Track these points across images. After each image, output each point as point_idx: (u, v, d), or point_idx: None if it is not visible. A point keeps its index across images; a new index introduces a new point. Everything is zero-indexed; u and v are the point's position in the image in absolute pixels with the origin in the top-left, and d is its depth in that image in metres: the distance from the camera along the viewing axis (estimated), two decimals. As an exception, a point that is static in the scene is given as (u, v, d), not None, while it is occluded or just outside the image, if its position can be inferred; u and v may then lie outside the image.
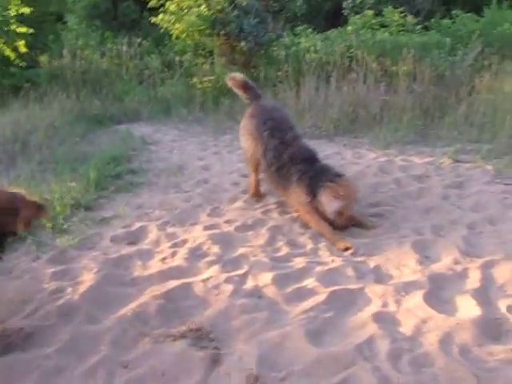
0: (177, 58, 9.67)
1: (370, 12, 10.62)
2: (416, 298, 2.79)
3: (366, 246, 3.53)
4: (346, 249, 3.51)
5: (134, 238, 3.82)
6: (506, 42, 8.17)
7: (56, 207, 4.19)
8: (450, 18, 10.68)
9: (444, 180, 4.74)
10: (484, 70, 7.37)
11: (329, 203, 3.69)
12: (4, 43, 7.74)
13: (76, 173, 5.12)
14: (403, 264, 3.23)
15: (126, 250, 3.60)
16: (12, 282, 3.16)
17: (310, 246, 3.57)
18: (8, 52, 7.79)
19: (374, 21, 10.16)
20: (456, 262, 3.18)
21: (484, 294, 2.80)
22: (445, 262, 3.20)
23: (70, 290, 3.03)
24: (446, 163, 5.22)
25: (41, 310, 2.83)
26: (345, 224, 3.80)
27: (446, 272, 3.08)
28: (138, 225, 4.05)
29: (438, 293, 2.87)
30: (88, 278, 3.15)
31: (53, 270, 3.30)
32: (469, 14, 10.76)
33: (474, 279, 2.97)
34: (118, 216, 4.25)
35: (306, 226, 3.87)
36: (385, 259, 3.31)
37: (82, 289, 3.02)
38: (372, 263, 3.26)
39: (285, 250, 3.50)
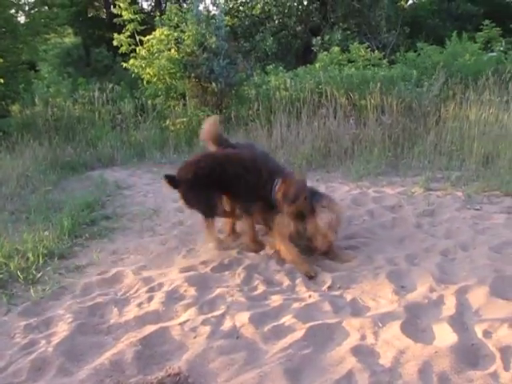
0: (149, 102, 9.75)
1: (337, 48, 10.94)
2: (393, 329, 2.80)
3: (341, 279, 3.54)
4: (310, 277, 3.60)
5: (109, 285, 3.77)
6: (467, 72, 8.44)
7: (29, 258, 4.12)
8: (415, 51, 11.04)
9: (416, 209, 4.82)
10: (449, 99, 7.59)
11: (324, 216, 3.71)
12: (-26, 94, 7.73)
13: (49, 221, 5.05)
14: (379, 295, 3.25)
15: (102, 297, 3.54)
16: (-19, 339, 3.07)
17: (286, 282, 3.56)
18: (-22, 102, 7.78)
19: (341, 57, 10.45)
20: (431, 290, 3.22)
21: (460, 321, 2.84)
22: (420, 291, 3.23)
23: (43, 342, 2.96)
24: (417, 192, 5.32)
25: (11, 366, 2.75)
26: (324, 248, 3.82)
27: (421, 301, 3.11)
28: (113, 271, 3.99)
29: (415, 322, 2.89)
30: (62, 329, 3.08)
31: (25, 322, 3.21)
32: (433, 46, 11.14)
33: (449, 306, 3.01)
34: (92, 263, 4.20)
35: (282, 263, 3.86)
36: (361, 291, 3.32)
37: (55, 340, 2.95)
38: (348, 296, 3.27)
39: (261, 289, 3.49)
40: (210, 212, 4.05)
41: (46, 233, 4.65)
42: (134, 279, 3.80)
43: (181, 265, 4.01)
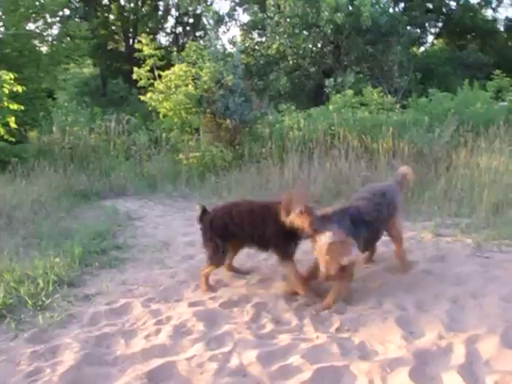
0: (163, 135, 9.92)
1: (351, 91, 11.14)
2: (401, 375, 2.78)
3: (350, 321, 3.52)
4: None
5: (117, 316, 3.78)
6: (479, 120, 8.55)
7: (39, 284, 4.15)
8: (426, 97, 11.21)
9: (426, 254, 4.80)
10: (460, 146, 7.65)
11: (324, 239, 3.62)
12: (-6, 119, 7.92)
13: (60, 248, 5.09)
14: (388, 340, 3.22)
15: (109, 327, 3.55)
16: (-13, 364, 3.07)
17: (294, 322, 3.55)
18: (-2, 128, 7.96)
19: (354, 100, 10.63)
20: (440, 337, 3.19)
21: (470, 370, 2.80)
22: (429, 337, 3.20)
23: (48, 371, 2.95)
24: (427, 237, 5.32)
25: (15, 394, 2.75)
26: (324, 274, 3.70)
27: (430, 347, 3.08)
28: (121, 301, 4.01)
29: (424, 369, 2.86)
30: (68, 358, 3.08)
31: (31, 349, 3.22)
32: (444, 93, 11.31)
33: (458, 354, 2.97)
34: (101, 292, 4.21)
35: (290, 302, 3.86)
36: (369, 335, 3.30)
37: (60, 369, 2.95)
38: (357, 339, 3.25)
39: (269, 327, 3.48)
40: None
41: (57, 259, 4.68)
42: (142, 311, 3.80)
43: (189, 299, 4.02)
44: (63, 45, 13.86)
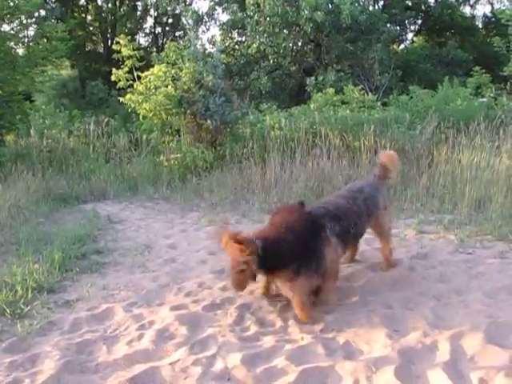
0: (144, 137, 9.82)
1: (332, 90, 11.15)
2: (387, 374, 2.77)
3: (335, 321, 3.50)
4: None
5: (98, 321, 3.70)
6: (459, 117, 8.60)
7: (17, 291, 4.05)
8: (407, 94, 11.27)
9: (409, 251, 4.81)
10: (441, 143, 7.69)
11: None
12: (-31, 123, 7.75)
13: (40, 254, 4.99)
14: (373, 339, 3.21)
15: (90, 333, 3.48)
16: (-36, 376, 2.98)
17: (279, 323, 3.52)
18: (-27, 132, 7.80)
19: (335, 98, 10.64)
20: (425, 335, 3.18)
21: (454, 367, 2.80)
22: (414, 335, 3.19)
23: (27, 381, 2.89)
24: (410, 235, 5.33)
25: (-8, 406, 2.67)
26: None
27: (415, 345, 3.07)
28: (103, 307, 3.94)
29: (409, 367, 2.85)
30: (48, 367, 3.01)
31: (10, 359, 3.14)
32: (425, 90, 11.38)
33: (443, 352, 2.97)
34: (82, 298, 4.14)
35: (274, 303, 3.82)
36: (354, 334, 3.28)
37: (40, 379, 2.89)
38: (341, 339, 3.23)
39: (253, 329, 3.44)
40: None
41: (36, 265, 4.59)
42: (124, 316, 3.74)
43: (172, 302, 3.96)
44: (40, 46, 13.64)
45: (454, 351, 2.96)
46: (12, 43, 12.89)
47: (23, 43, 13.66)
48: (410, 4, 21.72)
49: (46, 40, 14.10)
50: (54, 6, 24.21)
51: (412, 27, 24.76)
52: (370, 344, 3.16)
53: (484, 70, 14.41)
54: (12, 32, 13.16)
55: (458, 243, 4.98)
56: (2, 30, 12.73)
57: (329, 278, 3.76)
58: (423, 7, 22.55)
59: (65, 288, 4.39)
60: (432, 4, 22.57)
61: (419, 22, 24.26)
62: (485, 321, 3.29)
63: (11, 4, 12.51)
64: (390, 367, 2.81)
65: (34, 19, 14.51)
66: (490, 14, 24.97)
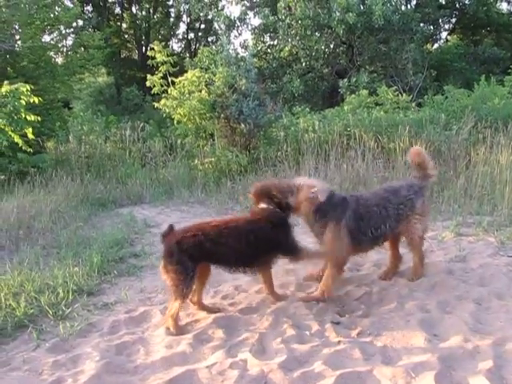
0: (178, 141, 9.94)
1: (365, 91, 11.05)
2: (427, 380, 2.72)
3: (372, 325, 3.47)
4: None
5: (136, 324, 3.77)
6: (497, 116, 8.41)
7: (59, 293, 4.16)
8: (442, 94, 11.07)
9: (447, 254, 4.72)
10: (479, 143, 7.52)
11: None
12: (13, 131, 7.97)
13: (79, 257, 5.12)
14: (411, 343, 3.17)
15: (129, 336, 3.54)
16: (9, 375, 3.08)
17: (315, 327, 3.50)
18: (16, 139, 8.01)
19: (368, 100, 10.54)
20: (466, 340, 3.12)
21: (498, 375, 2.74)
22: (454, 340, 3.13)
23: (69, 380, 2.96)
24: (448, 237, 5.23)
25: (38, 403, 2.75)
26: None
27: (456, 351, 3.01)
28: (140, 309, 4.01)
29: (450, 373, 2.80)
30: (89, 367, 3.08)
31: (53, 359, 3.23)
32: (460, 90, 11.17)
33: (486, 358, 2.90)
34: (120, 301, 4.21)
35: (311, 307, 3.81)
36: (392, 339, 3.24)
37: (82, 379, 2.95)
38: (379, 343, 3.20)
39: (290, 333, 3.43)
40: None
41: (76, 269, 4.70)
42: (161, 319, 3.78)
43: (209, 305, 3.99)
44: (78, 55, 14.04)
45: (498, 357, 2.89)
46: (52, 53, 13.31)
47: (62, 52, 14.10)
48: (443, 2, 21.30)
49: (83, 49, 14.49)
50: (90, 15, 24.76)
51: (446, 26, 24.26)
52: (409, 349, 3.11)
53: (522, 67, 14.05)
54: (52, 42, 13.59)
55: (498, 245, 4.87)
56: (43, 40, 13.14)
57: (329, 266, 3.90)
58: (457, 5, 22.07)
59: (103, 291, 4.49)
60: (467, 1, 22.07)
61: (453, 20, 23.75)
62: (529, 326, 3.21)
63: (51, 16, 12.90)
64: (430, 373, 2.76)
65: (72, 29, 14.93)
66: (528, 10, 24.30)
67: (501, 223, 5.51)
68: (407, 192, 4.05)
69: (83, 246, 5.63)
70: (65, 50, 14.21)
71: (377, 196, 4.08)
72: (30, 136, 8.23)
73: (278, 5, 16.97)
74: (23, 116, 8.01)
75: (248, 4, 21.83)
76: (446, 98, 10.58)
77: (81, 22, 19.75)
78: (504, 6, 24.13)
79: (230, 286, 4.40)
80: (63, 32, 14.06)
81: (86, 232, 6.42)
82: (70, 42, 14.74)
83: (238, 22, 19.61)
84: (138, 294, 4.37)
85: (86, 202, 7.97)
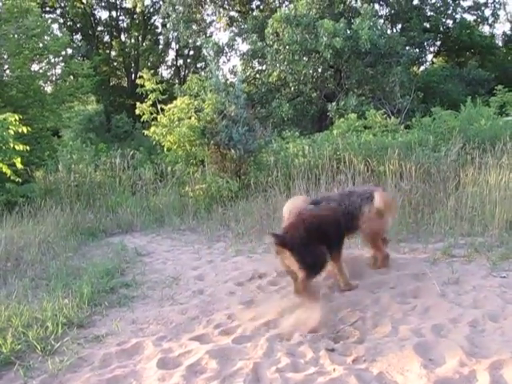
0: (169, 168, 9.93)
1: (354, 115, 11.16)
2: (424, 407, 2.68)
3: (367, 350, 3.42)
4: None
5: (128, 356, 3.69)
6: (484, 137, 8.49)
7: (48, 327, 4.08)
8: (430, 116, 11.19)
9: (440, 277, 4.69)
10: (467, 164, 7.56)
11: None
12: (1, 161, 7.91)
13: (69, 289, 5.03)
14: (407, 369, 3.13)
15: (121, 369, 3.47)
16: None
17: (310, 355, 3.45)
18: (4, 169, 7.95)
19: (357, 123, 10.63)
20: (462, 364, 3.09)
21: (495, 399, 2.70)
22: (450, 365, 3.10)
23: (60, 418, 2.88)
24: (440, 259, 5.21)
25: None
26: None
27: (452, 376, 2.98)
28: (132, 341, 3.92)
29: (447, 400, 2.75)
30: (80, 404, 3.00)
31: (42, 397, 3.15)
32: (448, 111, 11.30)
33: (482, 382, 2.87)
34: (111, 333, 4.13)
35: (305, 333, 3.76)
36: (387, 364, 3.20)
37: (73, 416, 2.87)
38: (375, 370, 3.16)
39: (284, 361, 3.38)
40: (320, 268, 4.27)
41: (66, 301, 4.62)
42: (153, 350, 3.72)
43: (201, 335, 3.93)
44: (67, 83, 14.09)
45: (495, 382, 2.86)
46: (41, 82, 13.35)
47: (51, 81, 14.15)
48: (428, 26, 21.76)
49: (72, 77, 14.56)
50: (80, 44, 24.98)
51: (431, 48, 24.81)
52: (405, 374, 3.08)
53: (507, 89, 14.29)
54: (41, 71, 13.64)
55: (491, 266, 4.85)
56: (32, 69, 13.19)
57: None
58: (441, 28, 22.58)
59: (94, 323, 4.41)
60: (450, 25, 22.58)
61: (438, 43, 24.28)
62: (524, 349, 3.18)
63: (40, 45, 12.99)
64: (427, 399, 2.73)
65: (61, 58, 15.01)
66: (509, 32, 24.89)
67: (492, 244, 5.51)
68: (357, 198, 4.89)
69: (73, 277, 5.55)
70: (54, 78, 14.26)
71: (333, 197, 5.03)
72: (19, 165, 8.17)
73: (266, 31, 17.23)
74: (11, 146, 7.96)
75: (236, 30, 22.19)
76: (434, 119, 10.69)
77: (70, 51, 19.92)
78: (486, 29, 24.70)
79: (222, 314, 4.34)
80: (52, 61, 14.12)
81: (75, 262, 6.33)
82: (59, 70, 14.81)
83: (226, 48, 19.90)
84: (130, 325, 4.29)
85: (75, 231, 7.88)
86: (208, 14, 23.16)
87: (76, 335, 4.06)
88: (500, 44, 25.34)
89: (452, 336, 3.52)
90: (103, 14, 42.01)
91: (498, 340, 3.38)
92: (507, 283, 4.41)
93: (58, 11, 26.69)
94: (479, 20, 24.02)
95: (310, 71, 17.40)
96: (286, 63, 17.22)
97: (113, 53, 29.15)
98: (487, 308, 3.93)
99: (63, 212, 8.52)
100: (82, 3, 26.87)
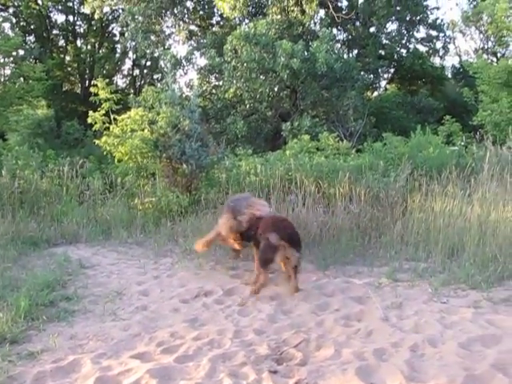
0: (118, 179, 9.71)
1: (307, 137, 11.29)
2: (364, 432, 2.69)
3: (309, 374, 3.43)
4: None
5: (64, 374, 3.55)
6: (432, 164, 8.74)
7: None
8: (381, 141, 11.45)
9: (384, 301, 4.78)
10: (415, 190, 7.75)
11: None
12: None
13: (4, 301, 4.80)
14: (349, 394, 3.14)
15: (55, 388, 3.33)
16: None
17: (252, 376, 3.43)
18: None
19: (310, 145, 10.76)
20: (401, 389, 3.13)
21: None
22: (390, 390, 3.14)
23: None
24: (384, 283, 5.31)
25: None
26: None
27: (392, 401, 3.01)
28: (69, 358, 3.79)
29: (386, 425, 2.78)
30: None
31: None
32: (398, 137, 11.60)
33: (420, 408, 2.91)
34: (47, 349, 3.97)
35: (249, 355, 3.73)
36: (329, 389, 3.21)
37: None
38: (317, 394, 3.15)
39: (226, 382, 3.34)
40: None
41: (0, 314, 4.41)
42: (91, 369, 3.59)
43: (143, 354, 3.83)
44: (16, 85, 13.67)
45: (431, 407, 2.91)
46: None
47: (-1, 82, 13.67)
48: (382, 53, 22.43)
49: (23, 79, 14.12)
50: (33, 46, 24.29)
51: (385, 75, 25.52)
52: (346, 399, 3.09)
53: (454, 119, 14.86)
54: (-12, 71, 13.19)
55: (432, 292, 4.99)
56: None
57: None
58: (395, 57, 23.32)
59: (30, 338, 4.22)
60: (404, 54, 23.37)
61: (392, 70, 25.04)
62: (461, 373, 3.27)
63: (-12, 44, 12.58)
64: (367, 424, 2.74)
65: (11, 59, 14.57)
66: (458, 65, 26.03)
67: (435, 269, 5.67)
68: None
69: (10, 289, 5.29)
70: (2, 79, 13.80)
71: None
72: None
73: (225, 47, 17.29)
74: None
75: (195, 44, 22.18)
76: (385, 144, 10.93)
77: (22, 52, 19.30)
78: (437, 61, 25.72)
79: (165, 332, 4.25)
80: (1, 61, 13.68)
81: (14, 273, 6.04)
82: (8, 71, 14.35)
83: (184, 61, 19.83)
84: (68, 341, 4.14)
85: (16, 240, 7.52)
86: (168, 26, 22.99)
87: (8, 352, 3.88)
88: (449, 76, 26.41)
89: (393, 360, 3.58)
90: (59, 18, 41.38)
91: (436, 364, 3.46)
92: (447, 309, 4.54)
93: (11, 10, 25.84)
94: (431, 51, 24.96)
95: (267, 90, 17.53)
96: (242, 80, 17.32)
97: (67, 58, 28.46)
98: (427, 333, 4.03)
99: (4, 219, 8.15)
100: (38, 4, 26.18)
